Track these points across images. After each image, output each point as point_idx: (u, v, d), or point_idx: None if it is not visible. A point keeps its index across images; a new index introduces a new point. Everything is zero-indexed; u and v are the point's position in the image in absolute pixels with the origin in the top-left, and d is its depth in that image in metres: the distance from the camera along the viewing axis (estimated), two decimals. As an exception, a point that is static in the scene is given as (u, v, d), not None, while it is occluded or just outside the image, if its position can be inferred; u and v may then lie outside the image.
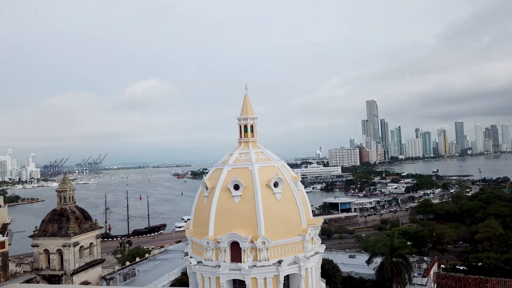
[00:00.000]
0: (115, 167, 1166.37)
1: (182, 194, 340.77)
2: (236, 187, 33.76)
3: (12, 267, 48.52)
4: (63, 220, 50.69)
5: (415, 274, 53.07)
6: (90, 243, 52.89)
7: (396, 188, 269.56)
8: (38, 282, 47.96)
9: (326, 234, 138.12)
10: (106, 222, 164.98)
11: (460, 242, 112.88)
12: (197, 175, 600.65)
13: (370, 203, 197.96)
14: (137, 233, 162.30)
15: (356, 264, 64.74)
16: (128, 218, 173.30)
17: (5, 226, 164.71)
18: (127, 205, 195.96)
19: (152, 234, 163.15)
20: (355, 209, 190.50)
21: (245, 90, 38.58)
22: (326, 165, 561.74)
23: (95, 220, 55.73)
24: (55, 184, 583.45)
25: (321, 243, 37.63)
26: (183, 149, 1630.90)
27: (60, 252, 49.83)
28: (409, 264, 52.01)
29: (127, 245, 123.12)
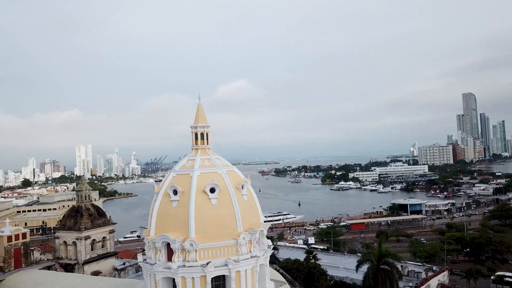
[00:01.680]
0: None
1: (260, 191, 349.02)
2: (175, 192, 36.40)
3: (37, 255, 56.69)
4: (78, 216, 57.79)
5: (410, 284, 50.53)
6: (103, 237, 59.40)
7: (484, 189, 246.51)
8: (56, 269, 55.55)
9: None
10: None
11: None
12: (280, 172, 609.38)
13: (444, 205, 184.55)
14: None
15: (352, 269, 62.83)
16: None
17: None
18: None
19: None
20: (426, 211, 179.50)
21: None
22: (415, 163, 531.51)
23: (109, 217, 62.24)
24: (151, 180, 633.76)
25: (270, 247, 38.59)
26: (272, 147, 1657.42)
27: (75, 244, 56.98)
28: (398, 272, 49.68)
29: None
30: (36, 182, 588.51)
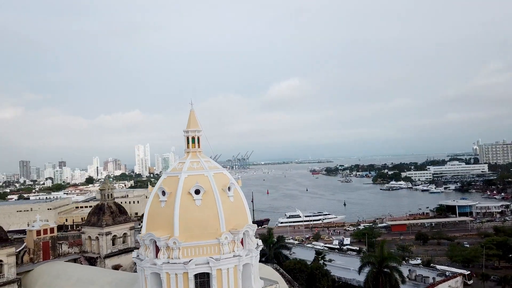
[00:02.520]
0: (262, 163, 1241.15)
1: (307, 190, 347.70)
2: (163, 193, 38.77)
3: (65, 248, 61.92)
4: (101, 213, 62.34)
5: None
6: (124, 233, 63.53)
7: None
8: (81, 262, 60.41)
9: (421, 239, 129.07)
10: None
11: None
12: (331, 171, 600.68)
13: (498, 207, 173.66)
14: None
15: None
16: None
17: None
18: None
19: (257, 227, 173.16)
20: (477, 213, 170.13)
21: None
22: (476, 162, 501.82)
23: (131, 214, 66.23)
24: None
25: (259, 247, 39.80)
26: (325, 145, 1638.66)
27: (97, 239, 61.52)
28: (401, 276, 48.67)
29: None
30: (99, 179, 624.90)
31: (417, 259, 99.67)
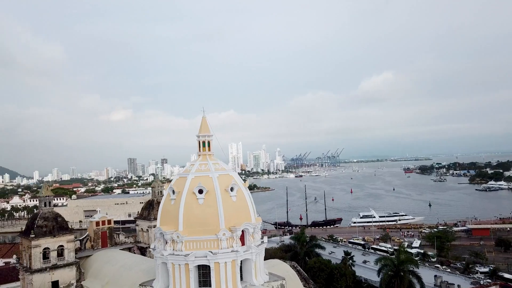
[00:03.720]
0: (354, 160, 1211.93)
1: (393, 190, 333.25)
2: (173, 192, 43.51)
3: (122, 238, 70.50)
4: (150, 208, 69.62)
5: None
6: (171, 227, 70.05)
7: None
8: (134, 251, 68.39)
9: (502, 245, 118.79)
10: (287, 212, 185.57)
11: None
12: (425, 170, 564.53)
13: None
14: (314, 224, 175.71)
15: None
16: (306, 210, 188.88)
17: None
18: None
19: (328, 226, 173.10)
20: None
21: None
22: None
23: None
24: (291, 176, 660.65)
25: (263, 244, 42.58)
26: (425, 141, 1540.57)
27: (148, 231, 68.90)
28: (420, 282, 47.18)
29: (287, 234, 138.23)
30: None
31: (487, 267, 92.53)
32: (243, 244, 42.15)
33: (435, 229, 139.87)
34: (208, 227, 41.05)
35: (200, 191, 42.09)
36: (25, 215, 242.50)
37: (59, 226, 58.47)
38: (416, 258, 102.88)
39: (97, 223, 66.34)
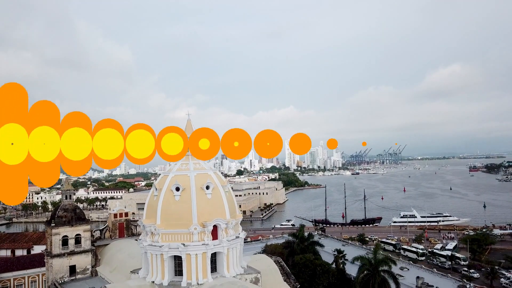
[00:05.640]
0: (418, 158, 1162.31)
1: (450, 189, 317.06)
2: (156, 189, 48.00)
3: (139, 229, 76.75)
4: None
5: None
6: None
7: None
8: (149, 241, 74.31)
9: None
10: (326, 209, 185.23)
11: None
12: (492, 169, 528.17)
13: None
14: (353, 222, 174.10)
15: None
16: (345, 208, 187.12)
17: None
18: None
19: (367, 225, 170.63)
20: None
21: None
22: None
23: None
24: (348, 173, 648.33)
25: (238, 239, 45.92)
26: (498, 138, 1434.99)
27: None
28: (396, 282, 47.39)
29: (320, 231, 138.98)
30: (251, 171, 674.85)
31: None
32: (215, 238, 45.65)
33: (471, 231, 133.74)
34: (182, 222, 45.04)
35: (177, 189, 46.15)
36: (87, 206, 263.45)
37: (77, 216, 65.70)
38: (444, 261, 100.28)
39: (115, 215, 72.94)
